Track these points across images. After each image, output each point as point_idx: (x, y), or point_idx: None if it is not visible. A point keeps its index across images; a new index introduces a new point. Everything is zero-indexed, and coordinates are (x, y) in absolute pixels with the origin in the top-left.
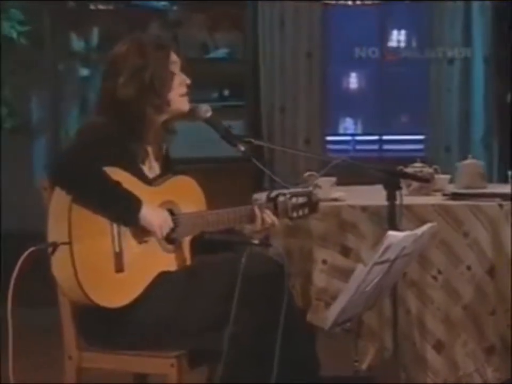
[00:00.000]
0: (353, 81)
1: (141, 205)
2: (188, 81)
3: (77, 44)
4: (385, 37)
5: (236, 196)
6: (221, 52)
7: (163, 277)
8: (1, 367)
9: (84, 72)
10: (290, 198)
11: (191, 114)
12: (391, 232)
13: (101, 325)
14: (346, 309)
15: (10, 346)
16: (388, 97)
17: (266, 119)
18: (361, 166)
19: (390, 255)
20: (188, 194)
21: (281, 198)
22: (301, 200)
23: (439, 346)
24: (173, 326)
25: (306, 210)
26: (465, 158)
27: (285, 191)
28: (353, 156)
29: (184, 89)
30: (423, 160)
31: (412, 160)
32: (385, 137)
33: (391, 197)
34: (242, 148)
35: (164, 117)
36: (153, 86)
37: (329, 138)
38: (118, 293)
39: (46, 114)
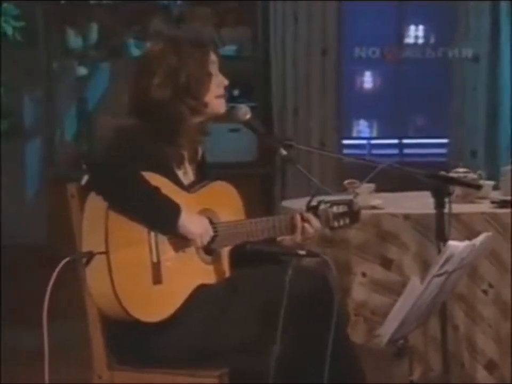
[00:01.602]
0: (369, 80)
1: (180, 212)
2: (226, 82)
3: (74, 40)
4: (404, 34)
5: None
6: (229, 49)
7: (202, 290)
8: None
9: (81, 71)
10: (331, 207)
11: (229, 116)
12: (451, 242)
13: (135, 341)
14: (402, 325)
15: (46, 359)
16: (406, 97)
17: (278, 121)
18: (408, 171)
19: (449, 266)
20: (226, 201)
21: (322, 206)
22: (342, 209)
23: (491, 366)
24: (214, 343)
25: (347, 220)
26: (493, 163)
27: (326, 199)
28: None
29: (221, 91)
30: (466, 166)
31: (436, 165)
32: (405, 141)
33: (440, 205)
34: (284, 152)
35: (199, 119)
36: (189, 87)
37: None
38: (156, 306)
39: (40, 115)
